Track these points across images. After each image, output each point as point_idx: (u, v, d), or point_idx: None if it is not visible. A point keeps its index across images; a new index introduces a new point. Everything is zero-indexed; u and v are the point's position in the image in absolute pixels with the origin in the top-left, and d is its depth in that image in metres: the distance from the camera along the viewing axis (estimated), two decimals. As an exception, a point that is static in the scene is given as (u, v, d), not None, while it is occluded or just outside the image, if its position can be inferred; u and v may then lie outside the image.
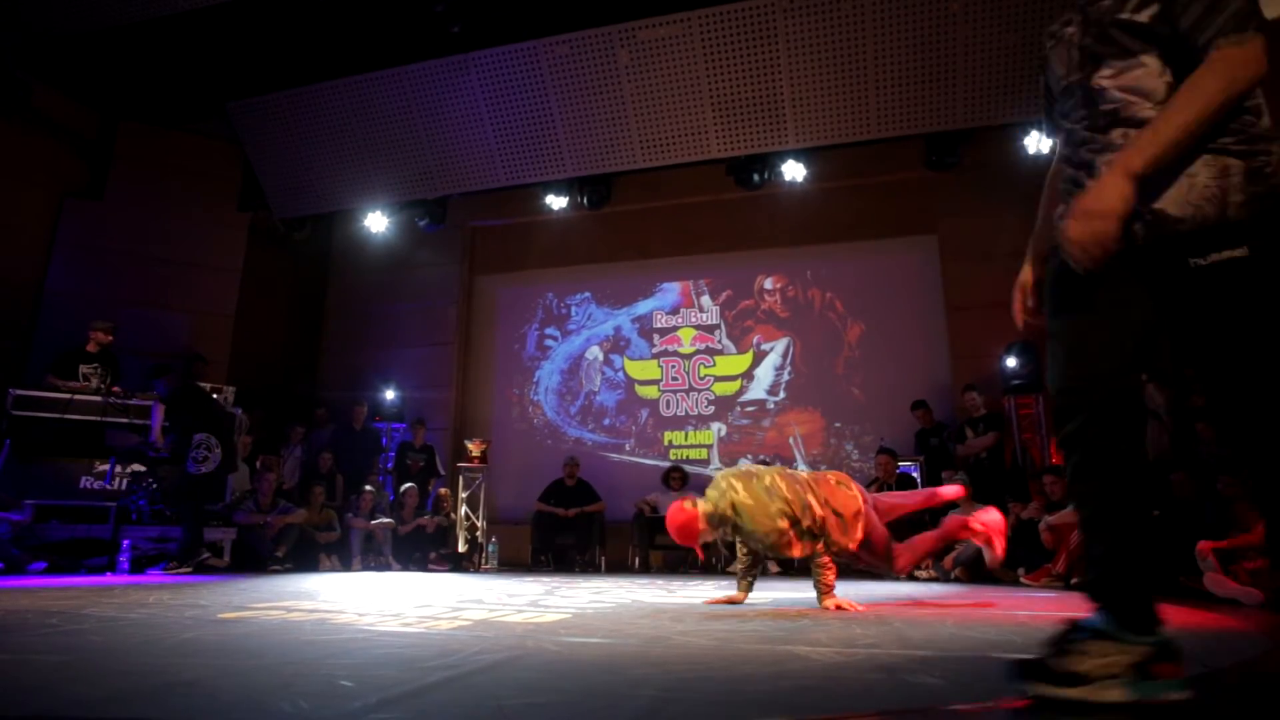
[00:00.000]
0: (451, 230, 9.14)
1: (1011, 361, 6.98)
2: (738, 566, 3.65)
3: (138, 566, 5.62)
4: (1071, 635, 1.37)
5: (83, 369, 6.45)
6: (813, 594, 3.28)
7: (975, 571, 5.67)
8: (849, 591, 3.68)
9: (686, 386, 8.75)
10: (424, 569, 6.90)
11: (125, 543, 5.56)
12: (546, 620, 2.65)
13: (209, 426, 5.88)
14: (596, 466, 8.39)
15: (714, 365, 8.72)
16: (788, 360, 8.49)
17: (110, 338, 6.68)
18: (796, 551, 3.26)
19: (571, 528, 7.59)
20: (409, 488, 7.27)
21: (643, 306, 9.12)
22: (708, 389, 8.68)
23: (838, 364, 8.33)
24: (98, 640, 2.06)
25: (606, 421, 8.95)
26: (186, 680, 1.52)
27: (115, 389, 6.25)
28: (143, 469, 5.99)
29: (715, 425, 8.50)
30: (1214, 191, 1.35)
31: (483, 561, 7.46)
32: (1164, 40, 1.42)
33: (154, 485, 5.92)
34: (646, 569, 7.32)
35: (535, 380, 9.31)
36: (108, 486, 5.95)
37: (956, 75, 6.46)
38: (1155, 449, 5.63)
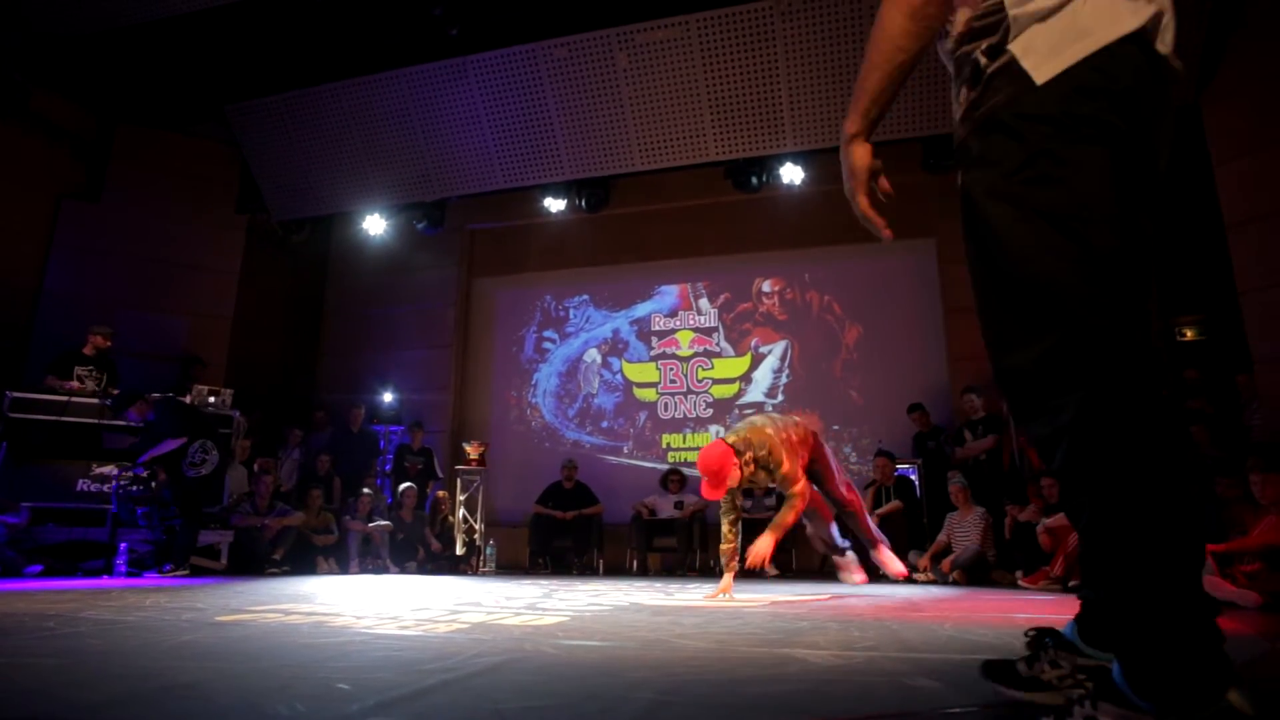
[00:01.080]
0: (450, 233, 9.15)
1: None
2: (724, 547, 3.96)
3: (138, 566, 5.61)
4: (1042, 642, 1.36)
5: (77, 371, 6.45)
6: (810, 595, 3.28)
7: (973, 574, 5.70)
8: (855, 597, 3.69)
9: (684, 389, 8.75)
10: (425, 571, 6.88)
11: (122, 545, 5.55)
12: (544, 623, 2.64)
13: (201, 433, 5.87)
14: (594, 469, 8.38)
15: (712, 368, 8.72)
16: (786, 363, 8.50)
17: (108, 343, 6.68)
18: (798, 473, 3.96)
19: (569, 530, 7.58)
20: (408, 487, 7.26)
21: (641, 309, 9.12)
22: (706, 392, 8.68)
23: (836, 367, 8.33)
24: (95, 643, 2.05)
25: (604, 424, 8.94)
26: (184, 683, 1.52)
27: (113, 391, 6.24)
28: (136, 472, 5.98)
29: (713, 428, 8.49)
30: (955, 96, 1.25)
31: (480, 564, 7.45)
32: None
33: (150, 492, 5.90)
34: (645, 572, 7.32)
35: (533, 383, 9.30)
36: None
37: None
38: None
